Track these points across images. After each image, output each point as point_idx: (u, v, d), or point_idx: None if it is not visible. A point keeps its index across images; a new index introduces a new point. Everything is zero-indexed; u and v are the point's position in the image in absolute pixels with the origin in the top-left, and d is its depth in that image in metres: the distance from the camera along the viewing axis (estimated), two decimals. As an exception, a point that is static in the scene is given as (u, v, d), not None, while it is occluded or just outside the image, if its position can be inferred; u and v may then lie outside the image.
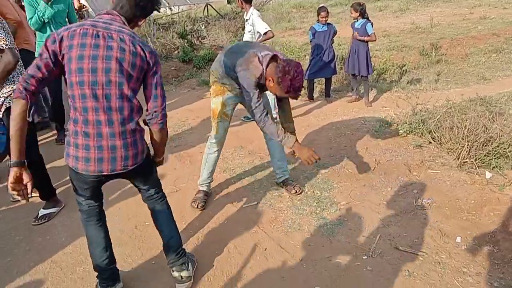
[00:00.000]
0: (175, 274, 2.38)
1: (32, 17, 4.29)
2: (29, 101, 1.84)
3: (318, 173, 3.72)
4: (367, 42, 5.70)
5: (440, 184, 3.35)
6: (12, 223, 3.24)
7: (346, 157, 3.97)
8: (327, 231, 2.87)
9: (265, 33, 4.62)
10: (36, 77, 1.85)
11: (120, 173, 2.04)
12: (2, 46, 2.82)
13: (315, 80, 6.52)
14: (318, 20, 5.96)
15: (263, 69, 2.68)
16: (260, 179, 3.67)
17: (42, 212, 3.29)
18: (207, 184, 3.37)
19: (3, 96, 2.96)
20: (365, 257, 2.59)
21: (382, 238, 2.75)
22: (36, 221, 3.23)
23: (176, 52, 9.29)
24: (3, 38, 2.82)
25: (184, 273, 2.38)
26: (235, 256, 2.69)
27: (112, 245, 2.36)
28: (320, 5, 6.06)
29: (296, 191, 3.33)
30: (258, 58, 2.69)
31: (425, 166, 3.66)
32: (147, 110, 2.04)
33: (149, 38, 9.46)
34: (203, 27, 12.63)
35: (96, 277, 2.35)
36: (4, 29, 2.86)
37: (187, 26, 10.26)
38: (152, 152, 2.28)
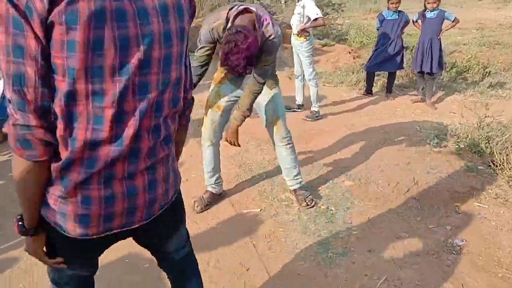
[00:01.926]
0: None
1: None
2: None
3: (342, 184, 3.24)
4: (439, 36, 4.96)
5: (483, 223, 2.72)
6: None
7: (380, 171, 3.42)
8: (325, 260, 2.43)
9: (315, 19, 4.11)
10: None
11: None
12: None
13: (380, 73, 5.89)
14: (388, 6, 5.27)
15: (225, 22, 2.24)
16: (274, 182, 3.28)
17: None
18: (213, 185, 2.98)
19: None
20: (358, 303, 2.14)
21: (388, 281, 2.27)
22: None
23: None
24: None
25: None
26: (211, 271, 2.37)
27: None
28: (393, -11, 5.34)
29: (307, 203, 2.91)
30: (231, 9, 2.26)
31: (473, 196, 3.02)
32: None
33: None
34: (283, 1, 12.17)
35: None
36: None
37: None
38: None
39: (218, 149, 2.91)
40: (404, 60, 5.63)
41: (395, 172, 3.39)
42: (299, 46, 4.44)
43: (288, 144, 2.87)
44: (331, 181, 3.29)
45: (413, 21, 5.36)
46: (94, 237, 1.08)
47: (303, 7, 4.23)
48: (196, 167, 3.49)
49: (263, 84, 2.49)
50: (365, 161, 3.61)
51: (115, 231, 1.10)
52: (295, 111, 4.85)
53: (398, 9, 5.23)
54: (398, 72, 6.03)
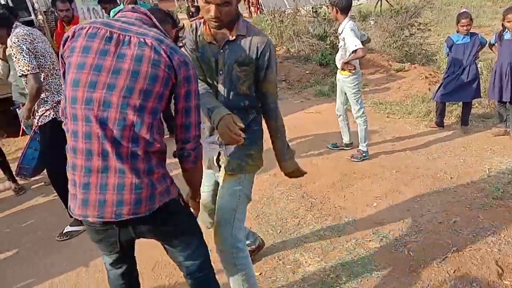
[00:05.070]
0: None
1: None
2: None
3: (366, 245, 2.77)
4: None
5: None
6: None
7: (418, 230, 2.87)
8: None
9: (355, 51, 3.72)
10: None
11: (134, 225, 1.52)
12: (24, 72, 2.87)
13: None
14: (457, 29, 4.62)
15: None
16: (290, 236, 2.94)
17: (68, 228, 3.32)
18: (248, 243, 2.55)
19: (37, 116, 3.08)
20: None
21: None
22: (60, 237, 3.27)
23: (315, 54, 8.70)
24: (27, 63, 2.87)
25: None
26: None
27: None
28: (461, 10, 4.67)
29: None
30: None
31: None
32: (176, 140, 1.56)
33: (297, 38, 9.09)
34: (372, 23, 11.65)
35: None
36: (30, 53, 2.90)
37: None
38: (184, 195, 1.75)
39: None
40: (481, 88, 4.85)
41: (435, 232, 2.82)
42: (343, 81, 4.06)
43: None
44: (354, 239, 2.84)
45: (490, 44, 4.61)
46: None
47: (344, 39, 3.87)
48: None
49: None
50: (404, 215, 3.08)
51: (89, 219, 1.46)
52: (343, 149, 4.42)
53: (470, 31, 4.54)
54: (480, 100, 5.24)
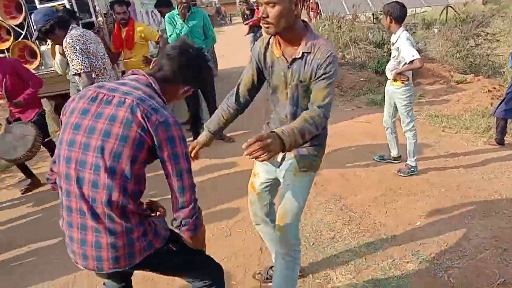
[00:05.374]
0: None
1: (171, 34, 4.60)
2: None
3: (403, 267, 2.61)
4: None
5: None
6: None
7: (462, 255, 2.66)
8: None
9: (411, 61, 3.55)
10: None
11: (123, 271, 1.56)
12: (77, 71, 3.04)
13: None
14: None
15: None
16: (325, 250, 2.85)
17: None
18: None
19: None
20: None
21: None
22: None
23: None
24: (80, 62, 3.03)
25: None
26: None
27: None
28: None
29: None
30: None
31: None
32: (172, 204, 1.52)
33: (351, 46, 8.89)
34: (436, 31, 11.14)
35: None
36: (83, 53, 3.06)
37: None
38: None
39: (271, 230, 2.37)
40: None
41: (481, 260, 2.61)
42: (394, 92, 3.88)
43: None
44: (390, 259, 2.70)
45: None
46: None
47: (398, 49, 3.70)
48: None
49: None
50: (448, 238, 2.88)
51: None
52: (391, 162, 4.24)
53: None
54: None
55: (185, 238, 1.57)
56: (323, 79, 1.78)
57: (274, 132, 1.62)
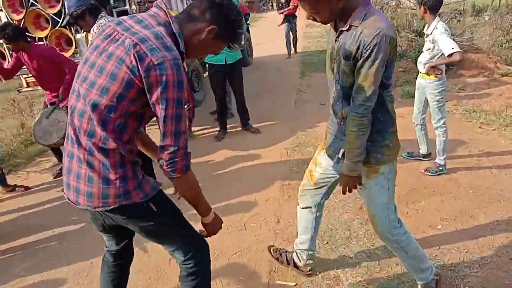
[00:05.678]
0: None
1: None
2: None
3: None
4: None
5: None
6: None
7: (480, 262, 2.53)
8: None
9: (450, 55, 3.36)
10: None
11: (102, 214, 1.62)
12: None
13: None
14: None
15: None
16: (334, 251, 2.81)
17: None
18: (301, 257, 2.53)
19: None
20: None
21: None
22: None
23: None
24: None
25: None
26: None
27: None
28: None
29: None
30: None
31: None
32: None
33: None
34: (486, 18, 10.51)
35: None
36: None
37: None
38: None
39: (314, 220, 2.38)
40: None
41: (503, 269, 2.48)
42: (426, 86, 3.71)
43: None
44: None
45: None
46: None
47: (433, 41, 3.52)
48: (269, 212, 3.30)
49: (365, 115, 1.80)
50: (470, 244, 2.74)
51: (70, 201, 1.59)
52: (419, 159, 4.08)
53: None
54: None
55: (171, 180, 1.53)
56: (367, 63, 1.66)
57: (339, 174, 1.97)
